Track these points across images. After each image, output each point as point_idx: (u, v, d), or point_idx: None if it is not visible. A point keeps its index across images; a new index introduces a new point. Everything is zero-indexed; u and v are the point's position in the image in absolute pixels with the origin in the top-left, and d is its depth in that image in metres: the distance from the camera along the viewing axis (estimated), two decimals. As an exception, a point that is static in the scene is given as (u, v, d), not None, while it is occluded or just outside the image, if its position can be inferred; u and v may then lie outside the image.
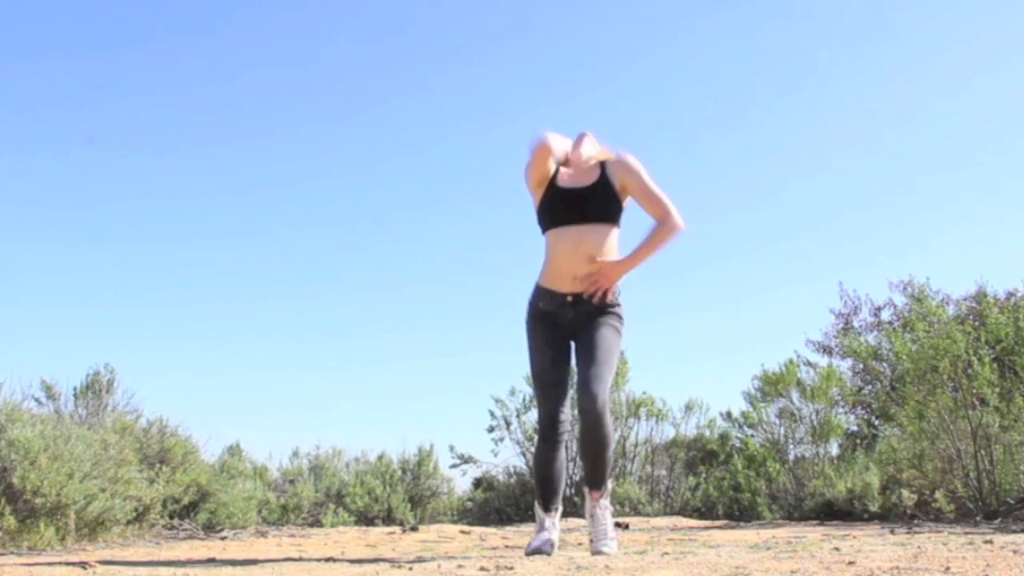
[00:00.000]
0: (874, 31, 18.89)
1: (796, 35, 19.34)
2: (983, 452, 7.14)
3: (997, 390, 7.25)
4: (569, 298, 4.16)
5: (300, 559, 4.26)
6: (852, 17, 18.64)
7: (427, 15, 19.32)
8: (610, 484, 4.29)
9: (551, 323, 4.23)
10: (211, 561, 4.14)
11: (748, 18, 19.10)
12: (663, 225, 4.09)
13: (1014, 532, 5.17)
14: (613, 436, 4.19)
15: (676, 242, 4.13)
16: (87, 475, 5.50)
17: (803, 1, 19.17)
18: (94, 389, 7.64)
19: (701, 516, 10.75)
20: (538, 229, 4.27)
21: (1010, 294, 9.56)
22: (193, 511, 7.24)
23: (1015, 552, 3.29)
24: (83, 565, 3.74)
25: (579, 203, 4.12)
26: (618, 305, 4.25)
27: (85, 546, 5.33)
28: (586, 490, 4.24)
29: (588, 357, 4.11)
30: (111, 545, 5.50)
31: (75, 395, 7.60)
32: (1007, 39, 18.17)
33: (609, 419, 4.07)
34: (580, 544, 5.05)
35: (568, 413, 4.19)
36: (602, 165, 4.20)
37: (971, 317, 9.10)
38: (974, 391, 7.31)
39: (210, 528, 7.20)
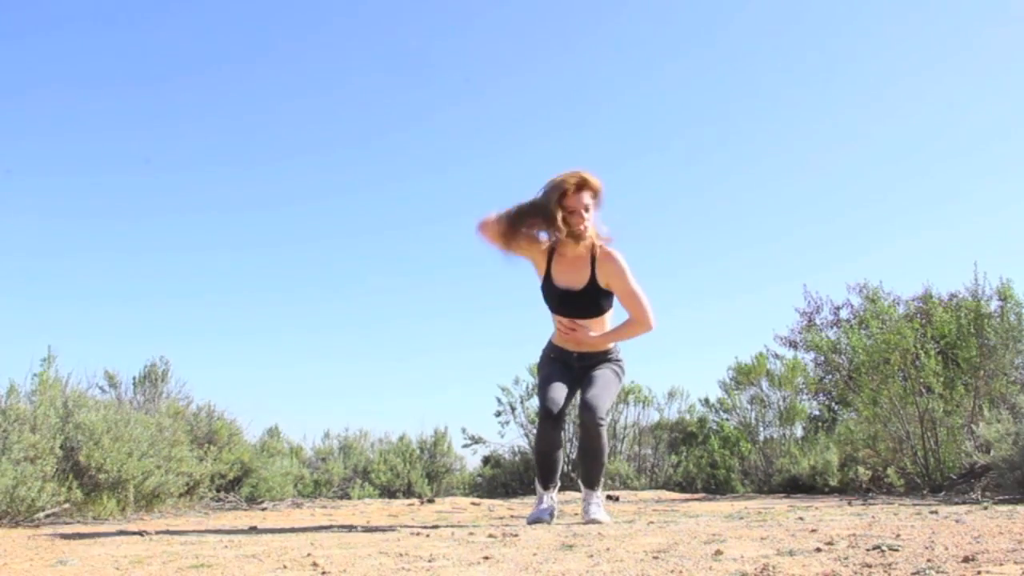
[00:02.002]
0: (832, 56, 18.90)
1: (766, 57, 19.34)
2: (929, 434, 7.13)
3: (941, 379, 7.25)
4: (575, 355, 4.31)
5: (331, 527, 4.26)
6: (814, 40, 18.65)
7: (441, 51, 19.35)
8: (602, 481, 4.31)
9: (562, 362, 4.35)
10: (253, 529, 4.14)
11: (725, 41, 19.10)
12: (635, 324, 4.15)
13: (956, 504, 5.15)
14: (608, 447, 4.23)
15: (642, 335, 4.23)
16: (144, 454, 5.51)
17: (770, 23, 19.13)
18: (151, 379, 7.65)
19: (682, 490, 10.74)
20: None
21: (953, 295, 9.51)
22: (237, 485, 7.25)
23: (957, 521, 3.28)
24: (141, 533, 3.75)
25: (573, 304, 4.17)
26: (620, 360, 4.39)
27: (143, 516, 5.34)
28: (582, 486, 4.27)
29: (589, 384, 4.22)
30: (165, 515, 5.50)
31: (134, 384, 7.61)
32: (953, 66, 18.15)
33: (606, 432, 4.13)
34: (576, 514, 5.05)
35: (567, 406, 4.22)
36: (592, 261, 4.14)
37: (919, 316, 9.07)
38: (921, 380, 7.30)
39: (252, 500, 7.21)
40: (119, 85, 17.39)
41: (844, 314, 11.72)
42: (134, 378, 7.64)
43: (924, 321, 8.33)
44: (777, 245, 19.46)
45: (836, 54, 18.98)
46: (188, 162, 18.16)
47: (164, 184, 17.56)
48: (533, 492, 9.83)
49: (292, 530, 4.07)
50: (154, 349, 12.13)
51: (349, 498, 9.23)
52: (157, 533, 3.75)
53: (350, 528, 4.12)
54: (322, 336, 18.24)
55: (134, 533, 3.77)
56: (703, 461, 11.15)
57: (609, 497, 7.77)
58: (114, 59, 17.28)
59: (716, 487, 10.63)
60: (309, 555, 2.66)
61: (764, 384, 10.79)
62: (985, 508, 4.31)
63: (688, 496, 9.10)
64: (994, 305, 7.62)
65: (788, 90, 19.69)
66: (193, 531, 3.95)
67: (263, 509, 6.59)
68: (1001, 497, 5.60)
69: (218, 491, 6.95)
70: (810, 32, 18.88)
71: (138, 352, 14.09)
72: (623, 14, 19.05)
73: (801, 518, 3.88)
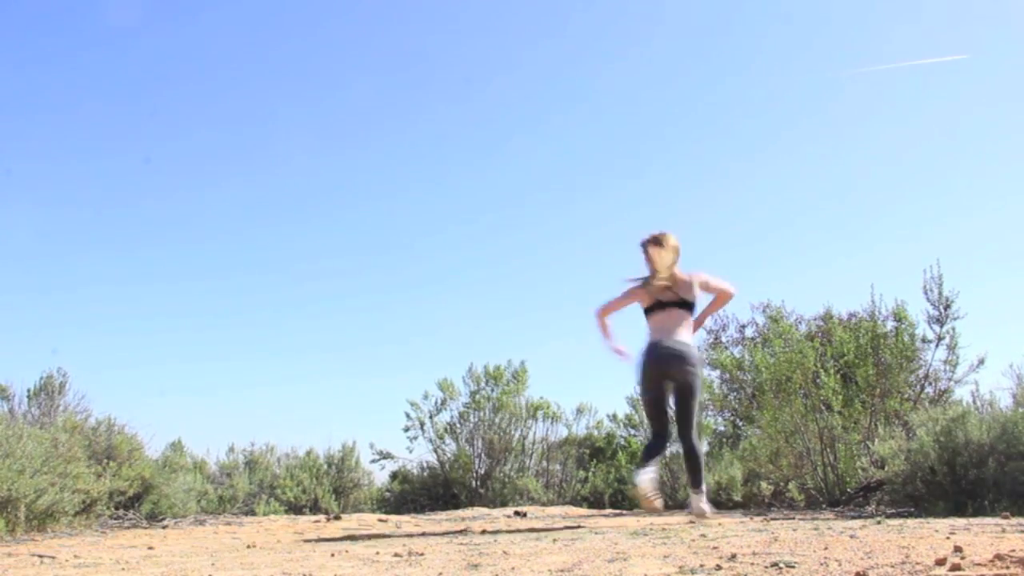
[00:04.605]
0: (720, 110, 19.51)
1: (675, 102, 19.76)
2: (828, 450, 7.35)
3: (840, 397, 7.48)
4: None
5: (234, 547, 4.18)
6: (701, 96, 19.24)
7: (436, 51, 19.34)
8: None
9: None
10: (151, 550, 4.04)
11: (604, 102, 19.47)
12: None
13: (852, 518, 5.32)
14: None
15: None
16: (37, 471, 5.33)
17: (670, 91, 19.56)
18: (47, 391, 7.41)
19: (590, 505, 10.83)
20: None
21: (852, 315, 9.85)
22: (137, 502, 7.06)
23: (851, 537, 3.39)
24: (31, 555, 3.62)
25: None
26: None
27: (34, 536, 5.14)
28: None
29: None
30: (59, 535, 5.32)
31: (28, 396, 7.35)
32: (850, 97, 18.83)
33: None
34: (484, 531, 5.05)
35: None
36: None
37: (819, 335, 9.36)
38: (821, 398, 7.53)
39: (153, 518, 7.02)
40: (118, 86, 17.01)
41: (749, 332, 12.01)
42: (28, 390, 7.39)
43: (824, 340, 8.59)
44: (688, 267, 19.88)
45: (743, 92, 19.55)
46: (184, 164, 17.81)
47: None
48: (441, 507, 9.81)
49: (193, 550, 3.98)
50: (51, 352, 11.70)
51: (254, 514, 9.06)
52: (49, 555, 3.63)
53: (253, 548, 4.05)
54: (230, 349, 17.91)
55: (24, 555, 3.63)
56: (610, 476, 11.27)
57: (516, 513, 7.79)
58: (117, 64, 16.88)
59: (623, 502, 10.74)
60: (209, 577, 2.61)
61: (671, 400, 10.95)
62: (879, 523, 4.46)
63: (595, 512, 9.18)
64: (889, 326, 7.92)
65: (690, 120, 20.17)
66: (88, 552, 3.83)
67: (164, 527, 6.42)
68: (893, 511, 5.81)
69: (117, 508, 6.75)
70: (713, 76, 19.38)
71: (32, 363, 13.66)
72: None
73: (704, 535, 3.95)
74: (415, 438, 11.60)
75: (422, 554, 3.18)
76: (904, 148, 18.70)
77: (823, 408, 7.51)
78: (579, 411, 12.13)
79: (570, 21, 19.24)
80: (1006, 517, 4.52)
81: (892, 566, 2.38)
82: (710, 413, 11.20)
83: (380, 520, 7.08)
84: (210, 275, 18.61)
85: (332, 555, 3.28)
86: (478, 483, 10.85)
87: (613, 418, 12.06)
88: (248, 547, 4.07)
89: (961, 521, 4.39)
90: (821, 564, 2.49)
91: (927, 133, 18.68)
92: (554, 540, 3.89)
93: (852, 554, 2.71)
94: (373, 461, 11.75)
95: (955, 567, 2.27)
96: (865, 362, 7.74)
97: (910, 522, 4.42)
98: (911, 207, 18.67)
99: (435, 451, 11.48)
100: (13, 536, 5.02)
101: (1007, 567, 2.25)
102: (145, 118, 17.74)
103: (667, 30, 19.15)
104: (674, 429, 5.44)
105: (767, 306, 11.25)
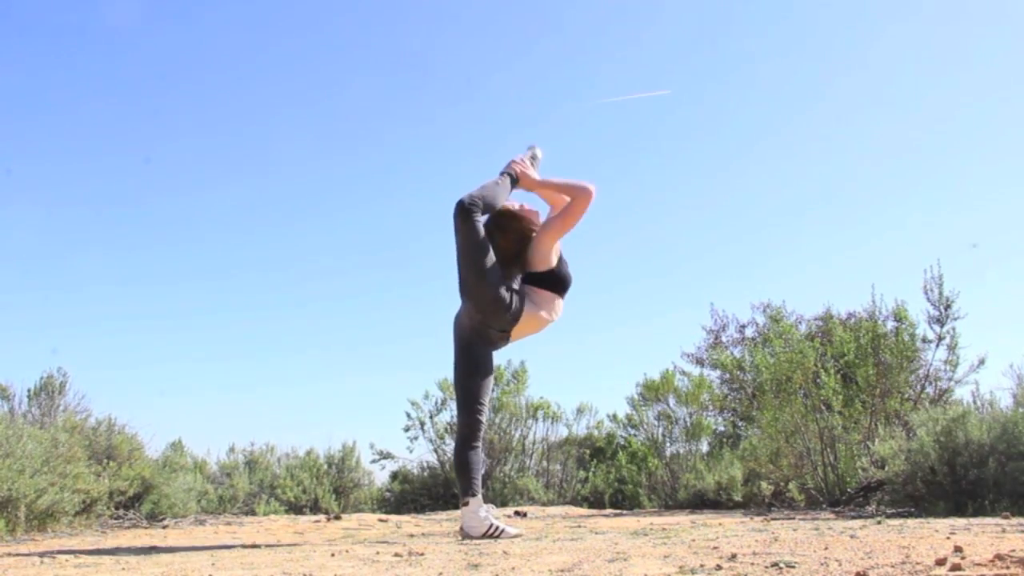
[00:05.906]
0: (734, 102, 19.47)
1: (678, 96, 19.74)
2: (828, 450, 7.35)
3: (840, 397, 7.48)
4: None
5: (234, 545, 4.18)
6: (719, 84, 19.18)
7: (436, 51, 19.36)
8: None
9: None
10: (152, 549, 4.03)
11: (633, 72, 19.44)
12: None
13: (852, 518, 5.32)
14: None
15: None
16: (37, 471, 5.33)
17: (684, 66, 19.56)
18: (47, 391, 7.41)
19: (590, 505, 10.85)
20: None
21: (851, 314, 9.86)
22: (138, 502, 7.05)
23: (852, 537, 3.39)
24: (31, 555, 3.62)
25: None
26: None
27: (34, 536, 5.14)
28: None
29: None
30: (59, 535, 5.31)
31: (29, 396, 7.35)
32: (850, 95, 18.83)
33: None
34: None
35: None
36: None
37: (819, 335, 9.37)
38: (821, 398, 7.52)
39: (153, 517, 7.02)
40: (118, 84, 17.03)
41: (749, 332, 12.02)
42: (28, 390, 7.39)
43: (824, 340, 8.59)
44: (690, 267, 19.89)
45: (741, 88, 19.54)
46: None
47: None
48: (441, 507, 9.82)
49: (193, 549, 3.97)
50: (50, 361, 11.73)
51: (255, 514, 9.07)
52: (49, 555, 3.63)
53: (254, 546, 4.05)
54: (230, 349, 17.91)
55: (24, 555, 3.63)
56: (611, 476, 11.28)
57: (517, 513, 7.80)
58: (117, 62, 16.88)
59: (623, 502, 10.75)
60: (210, 576, 2.61)
61: (671, 400, 10.98)
62: (879, 523, 4.46)
63: (595, 512, 9.18)
64: (890, 326, 7.91)
65: (688, 118, 20.19)
66: (89, 552, 3.83)
67: (164, 527, 6.42)
68: (893, 511, 5.81)
69: (117, 508, 6.75)
70: (717, 65, 19.38)
71: (32, 363, 13.65)
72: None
73: (704, 535, 3.95)
74: (415, 438, 11.63)
75: (422, 554, 3.18)
76: (904, 146, 18.71)
77: (823, 408, 7.51)
78: (579, 411, 12.17)
79: (567, 20, 19.23)
80: (1006, 517, 4.52)
81: (892, 566, 2.38)
82: (710, 413, 11.21)
83: (380, 520, 7.08)
84: (210, 275, 18.60)
85: (332, 555, 3.28)
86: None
87: (613, 418, 12.09)
88: (248, 547, 4.07)
89: (961, 521, 4.39)
90: (821, 564, 2.49)
91: (928, 131, 18.69)
92: (554, 540, 3.88)
93: (852, 554, 2.71)
94: (373, 461, 11.78)
95: (955, 567, 2.27)
96: (865, 362, 7.73)
97: (910, 522, 4.42)
98: (911, 206, 18.67)
99: (435, 451, 11.50)
100: (13, 536, 5.02)
101: (1007, 567, 2.25)
102: (145, 118, 17.74)
103: (664, 27, 19.15)
104: None
105: (767, 306, 11.27)
